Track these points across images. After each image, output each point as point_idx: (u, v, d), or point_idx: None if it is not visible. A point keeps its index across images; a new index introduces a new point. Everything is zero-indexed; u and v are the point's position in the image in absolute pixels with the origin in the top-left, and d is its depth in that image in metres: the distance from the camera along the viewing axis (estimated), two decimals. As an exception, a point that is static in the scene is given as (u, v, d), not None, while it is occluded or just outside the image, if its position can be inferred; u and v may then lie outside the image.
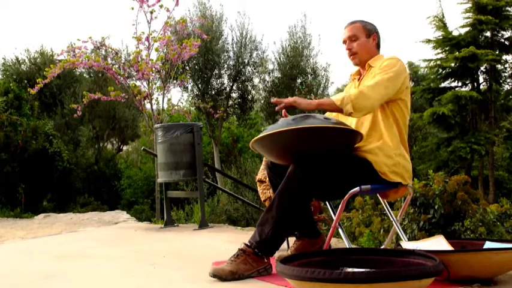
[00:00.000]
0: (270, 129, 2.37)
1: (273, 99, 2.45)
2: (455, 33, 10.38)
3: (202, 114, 11.22)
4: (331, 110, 2.50)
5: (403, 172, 2.52)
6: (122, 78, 6.78)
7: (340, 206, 2.41)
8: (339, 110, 2.42)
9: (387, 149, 2.49)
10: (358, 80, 2.73)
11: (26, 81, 12.10)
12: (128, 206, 11.29)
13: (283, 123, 2.35)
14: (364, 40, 2.65)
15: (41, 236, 4.72)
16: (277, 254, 2.51)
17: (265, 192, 3.04)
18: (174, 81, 7.84)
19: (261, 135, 2.38)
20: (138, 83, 6.79)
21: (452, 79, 10.57)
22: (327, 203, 2.67)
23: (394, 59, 2.57)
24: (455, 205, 3.22)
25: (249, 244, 2.44)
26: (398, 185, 2.53)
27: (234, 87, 11.82)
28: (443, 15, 10.63)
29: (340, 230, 2.50)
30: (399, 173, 2.50)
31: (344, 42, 2.70)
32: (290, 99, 2.43)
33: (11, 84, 9.39)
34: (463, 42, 9.96)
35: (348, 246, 2.47)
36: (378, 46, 2.70)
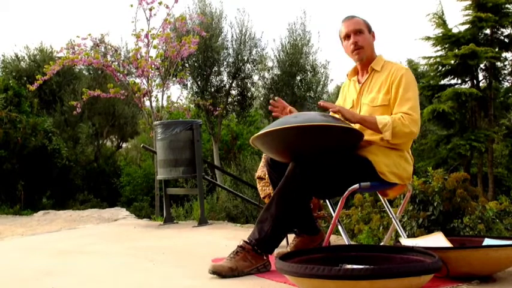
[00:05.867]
0: (271, 126, 2.36)
1: (321, 102, 2.42)
2: (455, 30, 10.37)
3: (202, 111, 11.21)
4: (371, 128, 2.45)
5: (402, 173, 2.51)
6: (121, 76, 6.78)
7: (339, 203, 2.41)
8: (379, 131, 2.42)
9: (388, 150, 2.49)
10: (360, 82, 2.67)
11: (25, 78, 12.08)
12: (128, 203, 11.29)
13: (285, 121, 2.34)
14: (368, 35, 2.62)
15: (40, 233, 4.72)
16: (276, 251, 2.51)
17: (264, 189, 3.04)
18: (174, 79, 7.84)
19: (262, 131, 2.37)
20: (137, 80, 6.80)
21: (452, 76, 10.56)
22: (326, 200, 2.67)
23: (408, 72, 2.54)
24: (454, 202, 3.22)
25: (248, 241, 2.44)
26: (397, 184, 2.53)
27: (233, 85, 11.81)
28: (443, 12, 10.62)
29: (339, 227, 2.51)
30: (398, 174, 2.49)
31: (346, 36, 2.62)
32: (336, 107, 2.42)
33: (10, 81, 9.38)
34: (463, 40, 9.95)
35: (347, 243, 2.48)
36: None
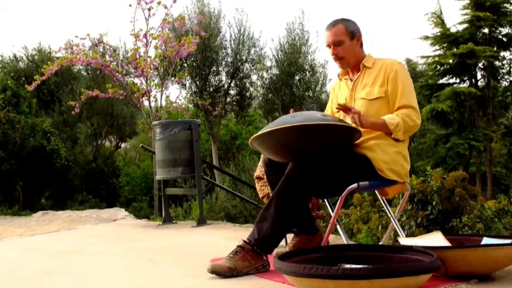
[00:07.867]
0: (270, 127, 2.36)
1: (339, 104, 2.44)
2: (453, 29, 10.37)
3: (201, 111, 11.20)
4: (382, 131, 2.47)
5: (400, 170, 2.53)
6: (120, 76, 6.77)
7: (338, 203, 2.42)
8: (389, 132, 2.45)
9: (386, 147, 2.50)
10: (352, 80, 2.68)
11: (23, 79, 12.05)
12: (126, 204, 11.27)
13: (283, 120, 2.35)
14: (348, 44, 2.60)
15: (39, 233, 4.72)
16: (275, 251, 2.51)
17: (263, 189, 3.03)
18: (172, 79, 7.84)
19: (260, 132, 2.37)
20: (136, 80, 6.79)
21: (451, 75, 10.56)
22: (325, 200, 2.67)
23: (402, 65, 2.59)
24: (453, 201, 3.22)
25: (247, 241, 2.45)
26: (396, 182, 2.54)
27: (232, 84, 11.80)
28: (441, 11, 10.62)
29: (338, 227, 2.51)
30: (396, 171, 2.51)
31: (328, 46, 2.64)
32: (357, 111, 2.41)
33: (8, 82, 9.35)
34: (461, 39, 9.95)
35: (346, 243, 2.48)
36: (361, 45, 2.66)
